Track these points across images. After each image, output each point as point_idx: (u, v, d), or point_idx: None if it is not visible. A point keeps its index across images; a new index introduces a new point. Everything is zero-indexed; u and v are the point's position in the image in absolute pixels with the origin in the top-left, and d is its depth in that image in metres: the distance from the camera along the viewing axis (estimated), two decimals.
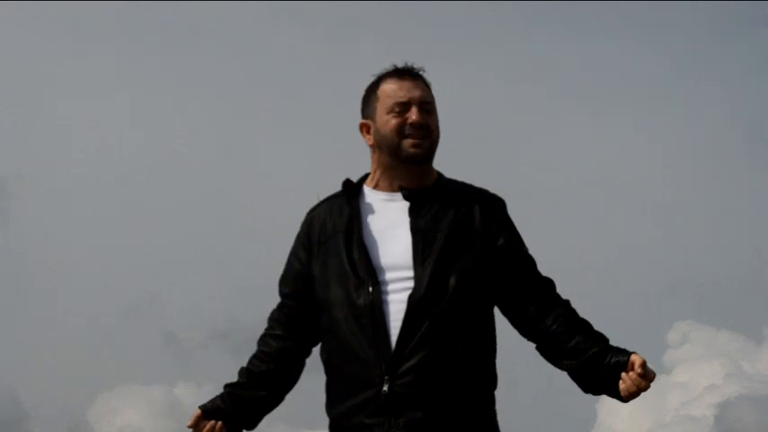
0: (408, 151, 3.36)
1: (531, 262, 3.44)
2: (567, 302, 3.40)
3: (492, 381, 3.37)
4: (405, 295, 3.24)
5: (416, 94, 3.39)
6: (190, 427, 3.39)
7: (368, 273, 3.28)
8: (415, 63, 3.45)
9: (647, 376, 3.22)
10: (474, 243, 3.34)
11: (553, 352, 3.36)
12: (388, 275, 3.29)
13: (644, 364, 3.22)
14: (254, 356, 3.50)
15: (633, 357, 3.23)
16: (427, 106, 3.40)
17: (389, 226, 3.35)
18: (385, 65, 3.46)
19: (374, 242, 3.34)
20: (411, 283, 3.25)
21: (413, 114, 3.36)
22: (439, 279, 3.25)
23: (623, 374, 3.23)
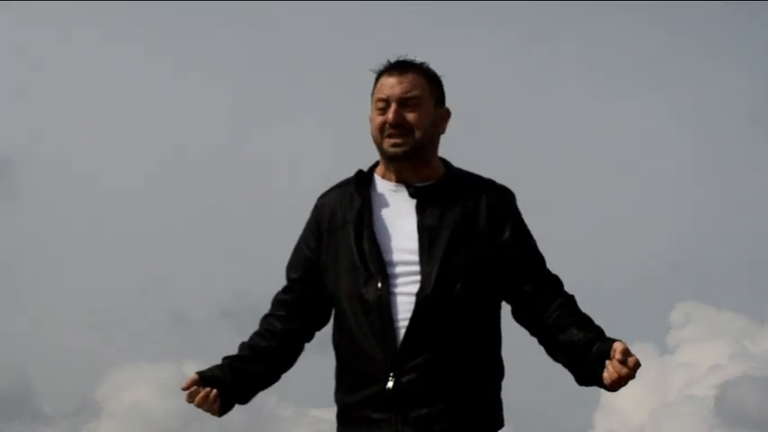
0: (388, 151, 3.33)
1: (538, 257, 3.40)
2: (570, 297, 3.37)
3: (499, 371, 3.37)
4: (412, 291, 3.23)
5: (396, 90, 3.33)
6: (184, 389, 3.37)
7: (378, 267, 3.26)
8: (411, 53, 3.40)
9: (627, 363, 3.17)
10: (479, 238, 3.31)
11: (549, 345, 3.36)
12: (397, 270, 3.27)
13: (625, 351, 3.17)
14: (256, 333, 3.50)
15: (615, 345, 3.19)
16: (411, 101, 3.33)
17: (398, 219, 3.33)
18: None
19: (384, 235, 3.32)
20: (418, 279, 3.24)
21: (389, 113, 3.32)
22: (445, 277, 3.24)
23: (606, 362, 3.20)
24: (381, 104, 3.34)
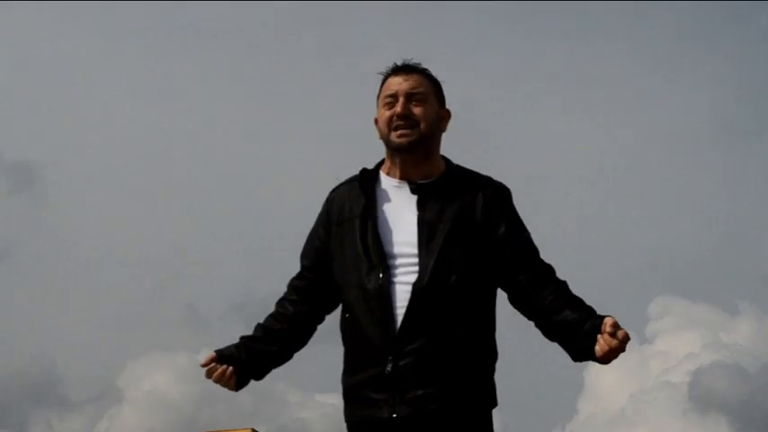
0: (395, 141, 3.34)
1: (532, 248, 3.38)
2: (563, 283, 3.35)
3: (492, 355, 3.35)
4: (410, 282, 3.23)
5: (404, 86, 3.36)
6: (203, 365, 3.38)
7: (379, 258, 3.26)
8: (414, 58, 3.42)
9: (616, 336, 3.14)
10: (475, 233, 3.30)
11: (544, 327, 3.33)
12: (397, 261, 3.27)
13: (614, 325, 3.15)
14: (270, 315, 3.51)
15: (605, 320, 3.18)
16: (417, 96, 3.35)
17: (400, 214, 3.33)
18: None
19: (386, 229, 3.32)
20: (416, 270, 3.23)
21: (398, 106, 3.33)
22: (441, 268, 3.23)
23: (598, 336, 3.18)
24: (389, 100, 3.36)
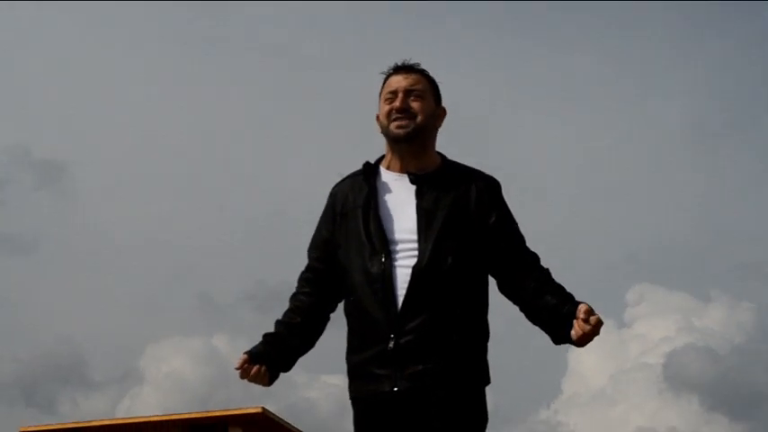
0: (393, 132, 3.37)
1: (519, 238, 3.41)
2: (546, 271, 3.37)
3: (485, 334, 3.36)
4: (410, 265, 3.24)
5: (403, 83, 3.40)
6: (238, 368, 3.37)
7: (382, 244, 3.28)
8: (413, 59, 3.46)
9: (589, 321, 3.16)
10: (469, 220, 3.32)
11: (528, 312, 3.35)
12: (398, 247, 3.28)
13: (587, 311, 3.17)
14: (288, 311, 3.50)
15: (580, 306, 3.20)
16: (414, 92, 3.39)
17: (399, 204, 3.35)
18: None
19: (387, 217, 3.34)
20: (416, 254, 3.25)
21: (397, 101, 3.38)
22: (438, 252, 3.24)
23: (573, 321, 3.20)
24: (390, 96, 3.41)
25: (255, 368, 3.36)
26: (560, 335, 3.27)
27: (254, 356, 3.38)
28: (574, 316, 3.20)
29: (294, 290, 3.53)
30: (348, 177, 3.49)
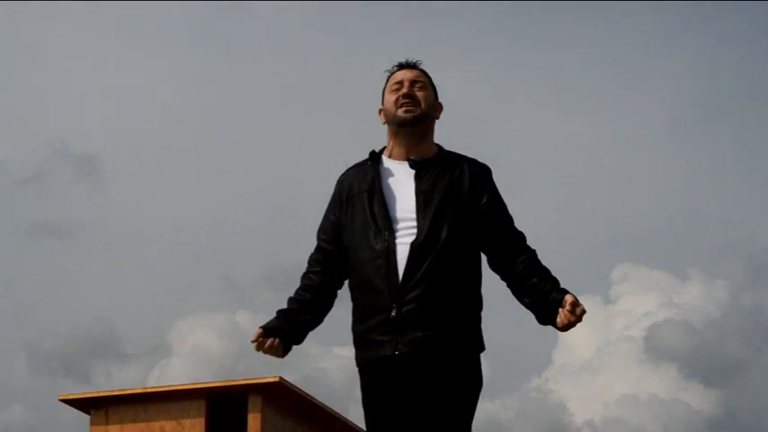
0: (400, 116, 3.38)
1: (508, 218, 3.41)
2: (533, 252, 3.37)
3: (478, 304, 3.36)
4: (410, 242, 3.25)
5: (408, 75, 3.44)
6: (254, 341, 3.37)
7: (385, 223, 3.28)
8: (414, 58, 3.50)
9: (574, 312, 3.18)
10: (463, 201, 3.33)
11: (516, 290, 3.35)
12: (400, 225, 3.28)
13: (573, 303, 3.19)
14: (299, 288, 3.49)
15: (566, 297, 3.21)
16: (418, 84, 3.42)
17: (401, 187, 3.36)
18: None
19: (390, 199, 3.34)
20: (415, 231, 3.26)
21: (404, 88, 3.40)
22: (434, 229, 3.25)
23: (559, 309, 3.21)
24: (396, 86, 3.42)
25: (270, 341, 3.35)
26: (545, 319, 3.28)
27: (268, 330, 3.37)
28: (560, 304, 3.21)
29: (305, 269, 3.52)
30: (353, 167, 3.49)
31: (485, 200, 3.36)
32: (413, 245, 3.23)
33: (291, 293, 3.49)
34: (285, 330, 3.38)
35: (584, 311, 3.19)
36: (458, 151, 3.48)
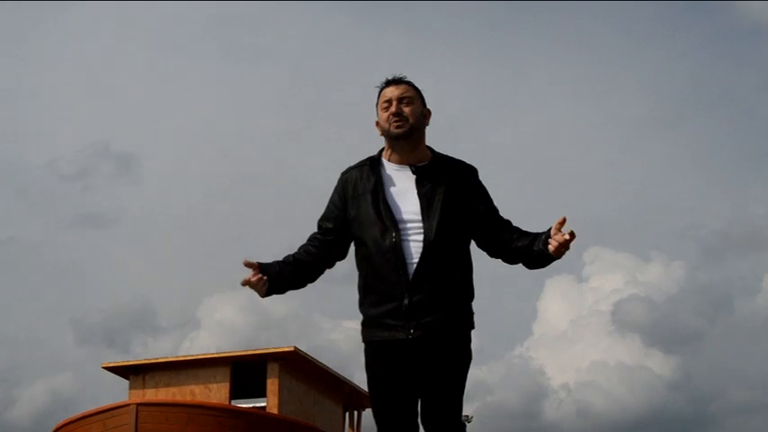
0: (393, 132, 3.40)
1: (496, 209, 3.47)
2: (518, 227, 3.43)
3: (472, 291, 3.41)
4: (417, 239, 3.27)
5: (396, 93, 3.44)
6: (246, 265, 3.37)
7: (391, 222, 3.30)
8: (400, 73, 3.50)
9: (563, 232, 3.20)
10: (461, 200, 3.37)
11: (508, 255, 3.40)
12: (405, 226, 3.30)
13: (562, 222, 3.21)
14: (299, 251, 3.49)
15: (553, 225, 3.23)
16: (405, 100, 3.43)
17: (403, 191, 3.38)
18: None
19: (393, 201, 3.36)
20: (421, 230, 3.28)
21: (392, 107, 3.41)
22: (442, 228, 3.28)
23: (549, 240, 3.23)
24: (386, 104, 3.44)
25: (258, 276, 3.35)
26: (538, 255, 3.28)
27: (263, 268, 3.38)
28: (548, 236, 3.23)
29: (305, 242, 3.52)
30: (354, 167, 3.50)
31: (478, 197, 3.41)
32: (425, 242, 3.25)
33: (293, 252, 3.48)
34: (274, 274, 3.38)
35: (573, 233, 3.18)
36: (445, 152, 3.49)
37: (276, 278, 3.39)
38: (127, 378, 9.41)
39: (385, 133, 3.44)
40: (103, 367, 9.46)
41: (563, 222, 3.21)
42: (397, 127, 3.38)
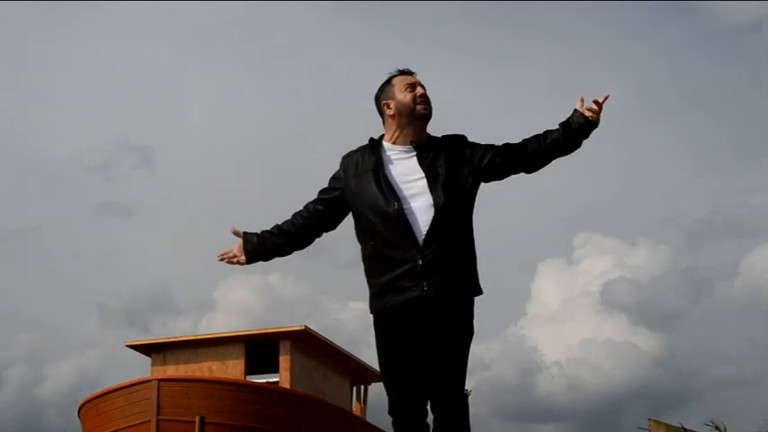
0: (420, 112, 3.42)
1: (503, 143, 3.46)
2: (535, 134, 3.45)
3: (475, 255, 3.39)
4: (424, 206, 3.26)
5: (417, 79, 3.49)
6: (234, 233, 3.52)
7: (392, 194, 3.29)
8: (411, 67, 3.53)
9: (592, 105, 3.36)
10: (461, 164, 3.37)
11: (548, 153, 3.43)
12: (408, 194, 3.30)
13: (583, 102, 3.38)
14: (286, 221, 3.53)
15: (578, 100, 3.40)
16: (424, 87, 3.47)
17: (408, 169, 3.37)
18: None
19: (396, 175, 3.35)
20: (430, 200, 3.26)
21: (420, 89, 3.44)
22: (449, 194, 3.28)
23: (582, 110, 3.39)
24: (410, 87, 3.44)
25: (241, 244, 3.49)
26: (576, 130, 3.39)
27: (247, 236, 3.51)
28: (579, 112, 3.37)
29: (298, 210, 3.53)
30: (356, 151, 3.49)
31: (477, 150, 3.42)
32: (436, 207, 3.25)
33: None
34: (255, 243, 3.51)
35: (606, 96, 3.39)
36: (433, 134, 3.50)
37: (257, 247, 3.50)
38: (149, 356, 9.42)
39: (408, 112, 3.42)
40: (127, 345, 9.47)
41: (583, 102, 3.35)
42: (425, 108, 3.42)
